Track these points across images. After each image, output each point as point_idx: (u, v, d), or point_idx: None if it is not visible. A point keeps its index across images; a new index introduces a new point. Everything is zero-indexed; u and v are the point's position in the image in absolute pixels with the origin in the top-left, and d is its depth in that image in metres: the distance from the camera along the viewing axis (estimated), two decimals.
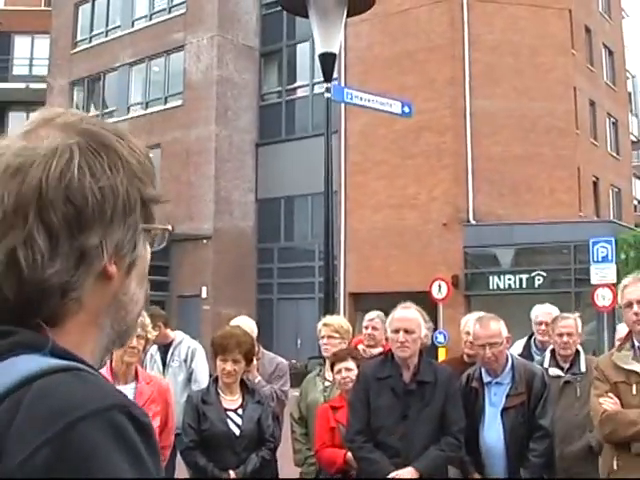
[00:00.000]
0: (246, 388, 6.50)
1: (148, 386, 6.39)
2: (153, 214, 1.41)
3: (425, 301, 25.36)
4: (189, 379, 8.26)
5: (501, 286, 31.19)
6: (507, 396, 6.18)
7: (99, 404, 1.15)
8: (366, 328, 8.10)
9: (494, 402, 6.23)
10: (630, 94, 51.54)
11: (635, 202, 50.65)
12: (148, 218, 1.40)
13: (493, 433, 6.20)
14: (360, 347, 8.21)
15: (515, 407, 6.16)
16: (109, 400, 1.17)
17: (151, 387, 6.43)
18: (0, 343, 1.21)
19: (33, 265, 1.23)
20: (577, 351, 7.13)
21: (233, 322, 7.78)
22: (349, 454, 6.25)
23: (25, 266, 1.23)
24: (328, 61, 11.25)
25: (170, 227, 1.48)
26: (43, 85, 45.87)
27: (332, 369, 6.89)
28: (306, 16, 9.14)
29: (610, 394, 5.47)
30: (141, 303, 1.44)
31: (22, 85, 47.86)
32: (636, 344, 5.55)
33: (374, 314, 8.13)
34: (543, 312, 8.45)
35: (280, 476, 7.35)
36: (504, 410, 6.17)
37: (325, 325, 7.64)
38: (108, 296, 1.34)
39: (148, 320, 6.14)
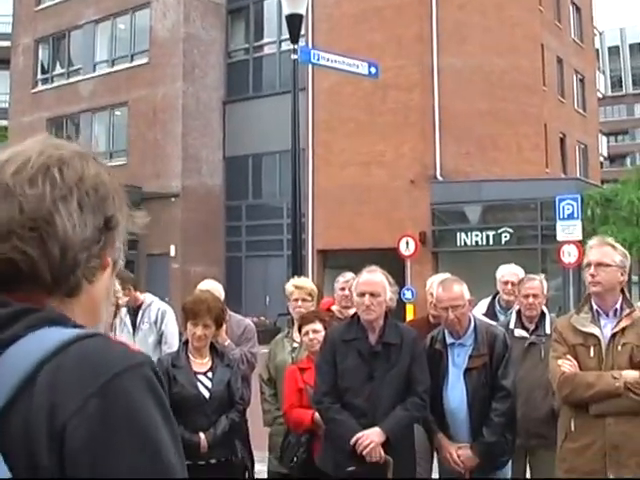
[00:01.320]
0: (215, 352, 6.58)
1: None
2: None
3: (393, 258, 25.58)
4: (159, 341, 8.27)
5: (468, 243, 31.39)
6: (470, 357, 6.27)
7: (132, 361, 1.36)
8: (342, 289, 8.12)
9: (457, 363, 6.33)
10: (597, 51, 51.71)
11: (601, 159, 50.95)
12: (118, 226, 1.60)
13: (456, 394, 6.30)
14: (334, 308, 8.28)
15: (477, 368, 6.25)
16: (139, 358, 1.38)
17: None
18: (30, 318, 1.37)
19: (73, 232, 1.44)
20: (542, 312, 7.24)
21: (201, 286, 7.82)
22: (316, 414, 6.35)
23: (66, 232, 1.43)
24: (295, 22, 11.25)
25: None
26: (7, 43, 45.32)
27: (300, 331, 6.98)
28: None
29: (568, 356, 5.58)
30: (112, 302, 1.63)
31: None
32: (594, 307, 5.66)
33: (349, 275, 8.17)
34: (509, 272, 8.54)
35: (250, 434, 7.48)
36: (467, 371, 6.26)
37: (297, 288, 7.70)
38: (103, 285, 1.56)
39: (118, 286, 6.16)
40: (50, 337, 1.34)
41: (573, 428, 5.56)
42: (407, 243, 27.43)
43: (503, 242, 30.44)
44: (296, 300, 7.63)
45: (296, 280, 8.02)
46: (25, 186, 1.44)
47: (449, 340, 6.38)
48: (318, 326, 6.76)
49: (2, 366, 1.31)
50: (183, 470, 1.35)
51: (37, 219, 1.42)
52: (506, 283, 8.41)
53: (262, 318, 29.74)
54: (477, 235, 31.26)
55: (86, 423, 1.26)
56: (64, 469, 1.26)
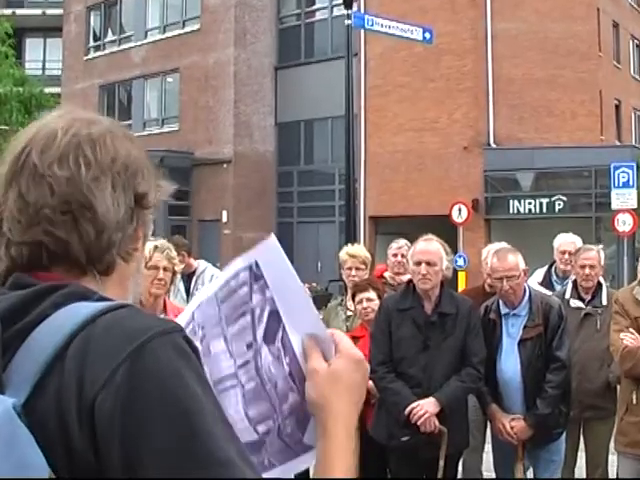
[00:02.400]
0: None
1: (176, 318, 6.43)
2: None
3: (445, 225, 25.47)
4: None
5: (521, 210, 31.14)
6: (524, 327, 6.21)
7: (161, 328, 1.29)
8: (394, 256, 8.08)
9: (511, 333, 6.27)
10: None
11: None
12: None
13: (510, 364, 6.25)
14: (387, 274, 8.25)
15: (532, 339, 6.20)
16: (169, 325, 1.33)
17: None
18: (56, 295, 1.34)
19: (107, 213, 1.42)
20: (599, 283, 7.16)
21: None
22: (370, 383, 6.34)
23: (101, 214, 1.41)
24: None
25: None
26: (59, 11, 45.54)
27: (353, 299, 6.95)
28: None
29: (630, 329, 5.50)
30: (139, 282, 1.61)
31: (38, 11, 47.57)
32: None
33: (402, 242, 8.13)
34: (567, 241, 8.46)
35: None
36: (521, 341, 6.21)
37: (352, 256, 7.67)
38: (134, 262, 1.53)
39: (174, 253, 6.12)
40: (78, 312, 1.30)
41: (635, 401, 5.49)
42: (459, 210, 27.31)
43: (556, 210, 30.16)
44: (350, 269, 7.59)
45: (350, 248, 7.98)
46: (54, 166, 1.40)
47: (503, 310, 6.32)
48: (372, 294, 6.74)
49: (33, 344, 1.28)
50: (230, 438, 1.26)
51: (70, 202, 1.39)
52: (563, 253, 8.33)
53: (314, 284, 29.75)
54: (530, 203, 31.00)
55: (114, 395, 1.21)
56: (97, 447, 1.21)
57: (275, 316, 1.52)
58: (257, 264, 1.55)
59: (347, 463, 1.43)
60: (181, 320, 1.65)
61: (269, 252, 1.56)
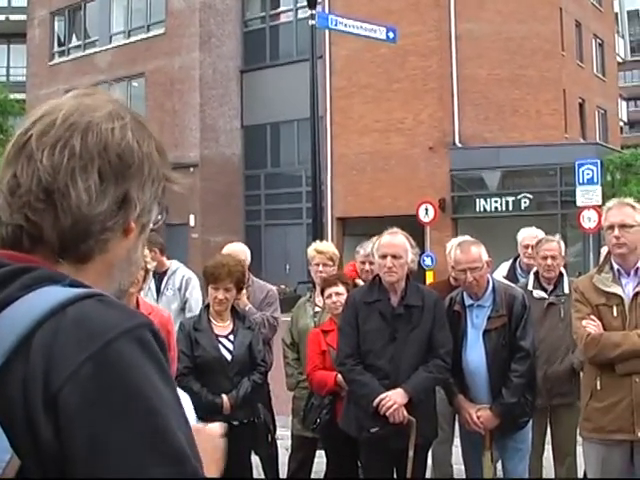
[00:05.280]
0: (237, 314, 6.61)
1: (150, 316, 6.39)
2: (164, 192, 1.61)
3: (412, 224, 25.44)
4: (183, 308, 8.22)
5: (488, 209, 31.34)
6: (488, 318, 6.24)
7: (129, 324, 1.31)
8: (362, 263, 8.05)
9: (476, 324, 6.31)
10: (616, 14, 51.22)
11: (621, 124, 50.61)
12: (163, 193, 1.61)
13: (475, 355, 6.29)
14: (359, 282, 8.25)
15: (496, 329, 6.23)
16: (136, 320, 1.34)
17: (152, 317, 6.44)
18: (25, 277, 1.36)
19: (88, 204, 1.42)
20: (560, 273, 7.25)
21: (227, 248, 7.84)
22: (339, 376, 6.38)
23: (80, 205, 1.42)
24: None
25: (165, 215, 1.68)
26: (23, 17, 45.28)
27: (322, 294, 6.99)
28: None
29: (592, 317, 5.56)
30: (140, 267, 1.65)
31: (1, 17, 47.34)
32: (615, 266, 5.64)
33: (369, 248, 8.10)
34: (529, 235, 8.54)
35: (273, 400, 7.52)
36: (486, 332, 6.23)
37: (319, 252, 7.69)
38: (123, 250, 1.52)
39: (147, 250, 6.10)
40: (48, 297, 1.31)
41: (599, 387, 5.55)
42: (426, 210, 27.37)
43: (522, 208, 30.38)
44: (317, 265, 7.63)
45: (318, 244, 8.01)
46: (45, 153, 1.41)
47: (468, 301, 6.36)
48: (341, 289, 6.77)
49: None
50: (186, 432, 1.31)
51: (51, 191, 1.40)
52: (527, 247, 8.41)
53: (282, 286, 29.74)
54: (496, 201, 31.22)
55: (79, 388, 1.23)
56: (60, 438, 1.23)
57: None
58: None
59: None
60: None
61: None
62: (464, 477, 6.87)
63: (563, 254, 7.34)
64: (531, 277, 7.33)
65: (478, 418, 6.26)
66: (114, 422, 1.23)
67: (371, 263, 7.70)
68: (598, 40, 40.42)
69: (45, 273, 1.38)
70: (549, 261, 7.12)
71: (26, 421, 1.24)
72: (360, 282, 8.06)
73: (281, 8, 39.41)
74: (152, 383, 1.28)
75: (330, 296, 6.80)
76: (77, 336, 1.27)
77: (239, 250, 7.77)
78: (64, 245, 1.42)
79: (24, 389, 1.25)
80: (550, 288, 7.18)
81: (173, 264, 8.54)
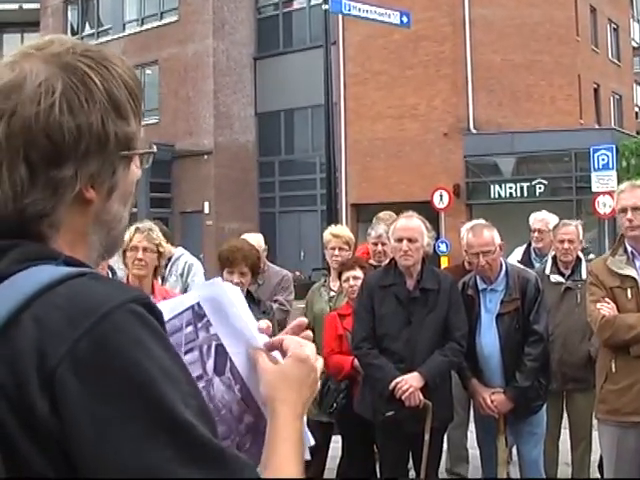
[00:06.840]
0: (252, 299, 6.61)
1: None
2: (134, 138, 1.50)
3: (427, 210, 25.37)
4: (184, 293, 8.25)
5: (502, 195, 31.25)
6: (502, 302, 6.25)
7: (121, 298, 1.29)
8: (374, 244, 8.04)
9: (489, 308, 6.31)
10: None
11: (636, 109, 50.30)
12: (129, 143, 1.48)
13: (489, 339, 6.29)
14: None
15: (510, 313, 6.24)
16: (129, 294, 1.31)
17: None
18: (15, 251, 1.35)
19: (14, 195, 1.38)
20: (578, 258, 7.24)
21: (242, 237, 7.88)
22: (356, 361, 6.39)
23: (8, 200, 1.38)
24: None
25: (154, 149, 1.61)
26: (37, 5, 45.29)
27: (339, 278, 6.98)
28: None
29: (607, 299, 5.56)
30: (125, 220, 1.58)
31: (15, 6, 47.30)
32: (629, 249, 5.64)
33: (380, 229, 8.08)
34: (536, 219, 8.55)
35: None
36: (499, 316, 6.25)
37: (335, 236, 7.70)
38: (90, 217, 1.47)
39: (158, 234, 6.11)
40: (39, 275, 1.30)
41: (614, 370, 5.56)
42: (441, 196, 27.28)
43: (537, 194, 30.28)
44: (333, 249, 7.64)
45: (333, 228, 8.02)
46: None
47: (481, 286, 6.37)
48: (358, 273, 6.77)
49: None
50: (194, 399, 1.29)
51: None
52: (534, 231, 8.44)
53: (297, 273, 29.74)
54: (511, 187, 31.11)
55: (75, 367, 1.22)
56: (60, 417, 1.21)
57: (221, 349, 1.66)
58: (199, 305, 1.66)
59: (293, 438, 1.53)
60: None
61: (213, 293, 1.68)
62: (479, 461, 6.88)
63: (581, 238, 7.33)
64: (549, 261, 7.33)
65: (492, 402, 6.28)
66: (114, 398, 1.22)
67: (383, 244, 7.72)
68: (613, 25, 40.18)
69: (35, 248, 1.37)
70: (566, 245, 7.12)
71: (18, 398, 1.22)
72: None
73: None
74: (150, 353, 1.26)
75: (348, 280, 6.80)
76: (71, 312, 1.25)
77: (253, 239, 7.80)
78: (14, 232, 1.38)
79: (15, 364, 1.23)
80: (567, 273, 7.18)
81: (178, 251, 8.60)
